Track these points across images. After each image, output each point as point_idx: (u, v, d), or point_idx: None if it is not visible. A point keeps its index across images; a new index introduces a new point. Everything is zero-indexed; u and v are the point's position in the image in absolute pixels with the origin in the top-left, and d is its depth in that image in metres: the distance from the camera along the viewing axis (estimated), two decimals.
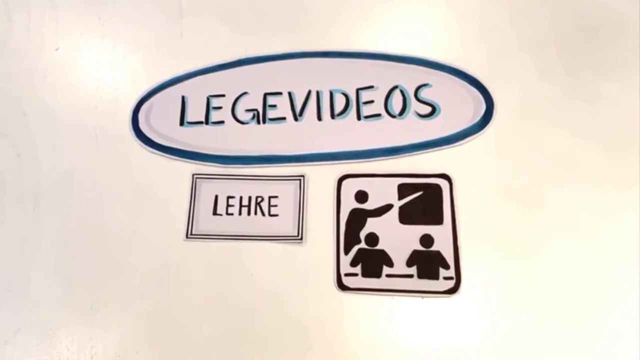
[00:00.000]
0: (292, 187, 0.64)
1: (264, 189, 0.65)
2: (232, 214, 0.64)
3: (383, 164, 0.64)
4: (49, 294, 0.63)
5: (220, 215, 0.64)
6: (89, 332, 0.61)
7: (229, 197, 0.65)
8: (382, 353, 0.57)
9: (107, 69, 0.74)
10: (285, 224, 0.63)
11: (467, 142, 0.64)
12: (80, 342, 0.60)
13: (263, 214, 0.64)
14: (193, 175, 0.66)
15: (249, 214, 0.64)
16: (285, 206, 0.64)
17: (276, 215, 0.63)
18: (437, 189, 0.62)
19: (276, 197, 0.64)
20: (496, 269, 0.59)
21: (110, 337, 0.60)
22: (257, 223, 0.63)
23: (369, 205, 0.63)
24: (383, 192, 0.63)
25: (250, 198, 0.65)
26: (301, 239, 0.62)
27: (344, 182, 0.64)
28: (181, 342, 0.59)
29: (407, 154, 0.65)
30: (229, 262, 0.62)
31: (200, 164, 0.67)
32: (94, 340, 0.60)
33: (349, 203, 0.63)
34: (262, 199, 0.64)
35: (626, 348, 0.55)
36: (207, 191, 0.65)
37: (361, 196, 0.63)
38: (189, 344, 0.59)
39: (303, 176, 0.65)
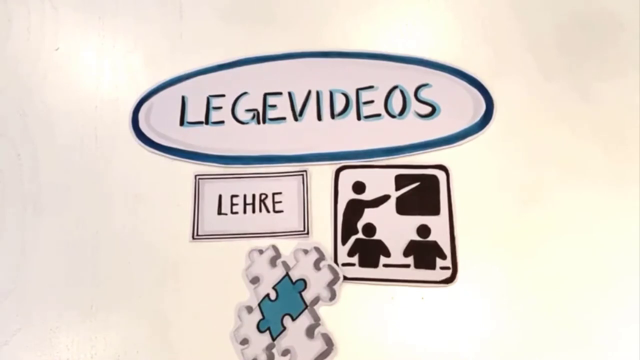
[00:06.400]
0: (295, 182, 0.65)
1: (267, 186, 0.65)
2: (237, 213, 0.64)
3: (382, 163, 0.65)
4: (49, 294, 0.62)
5: (225, 214, 0.64)
6: (89, 332, 0.60)
7: (232, 196, 0.65)
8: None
9: (107, 69, 0.74)
10: (290, 219, 0.63)
11: (467, 142, 0.65)
12: (80, 342, 0.60)
13: (268, 211, 0.64)
14: (196, 176, 0.66)
15: (253, 211, 0.64)
16: (290, 202, 0.64)
17: (281, 211, 0.64)
18: (434, 180, 0.63)
19: (280, 193, 0.65)
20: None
21: (110, 337, 0.60)
22: (262, 220, 0.64)
23: (366, 196, 0.63)
24: (380, 183, 0.64)
25: (254, 196, 0.65)
26: (307, 233, 0.62)
27: (342, 173, 0.65)
28: (181, 343, 0.59)
29: (407, 154, 0.65)
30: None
31: (200, 164, 0.67)
32: (94, 340, 0.60)
33: (347, 194, 0.64)
34: (266, 196, 0.65)
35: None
36: (210, 191, 0.65)
37: (359, 187, 0.64)
38: (189, 345, 0.59)
39: (305, 171, 0.65)
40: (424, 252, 0.60)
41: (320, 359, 0.56)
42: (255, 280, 0.61)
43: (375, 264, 0.60)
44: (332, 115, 0.68)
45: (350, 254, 0.61)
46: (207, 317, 0.60)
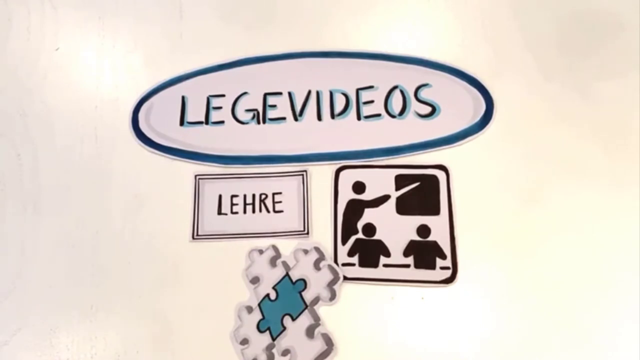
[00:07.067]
0: (295, 182, 0.65)
1: (267, 186, 0.65)
2: (236, 213, 0.64)
3: (382, 163, 0.65)
4: (49, 294, 0.62)
5: (225, 214, 0.64)
6: (89, 332, 0.60)
7: (232, 196, 0.65)
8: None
9: (107, 69, 0.74)
10: (290, 219, 0.63)
11: (467, 142, 0.65)
12: (80, 342, 0.60)
13: (268, 211, 0.64)
14: (196, 176, 0.66)
15: (253, 211, 0.64)
16: (290, 202, 0.64)
17: (281, 211, 0.64)
18: (434, 180, 0.63)
19: (280, 193, 0.65)
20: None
21: (110, 337, 0.60)
22: (262, 220, 0.64)
23: (366, 196, 0.63)
24: (380, 183, 0.64)
25: (254, 196, 0.65)
26: (307, 233, 0.62)
27: (342, 173, 0.65)
28: (181, 342, 0.59)
29: (407, 154, 0.65)
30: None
31: (200, 164, 0.67)
32: (94, 340, 0.60)
33: (347, 194, 0.64)
34: (266, 196, 0.65)
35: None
36: (210, 191, 0.65)
37: (359, 187, 0.64)
38: (189, 345, 0.59)
39: (305, 171, 0.65)
40: (424, 252, 0.60)
41: (320, 359, 0.56)
42: (255, 280, 0.61)
43: (375, 264, 0.60)
44: (332, 115, 0.68)
45: (350, 254, 0.61)
46: (207, 317, 0.60)
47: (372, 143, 0.66)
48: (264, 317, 0.59)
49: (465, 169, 0.63)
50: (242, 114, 0.69)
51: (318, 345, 0.57)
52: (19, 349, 0.61)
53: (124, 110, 0.71)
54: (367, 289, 0.59)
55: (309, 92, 0.69)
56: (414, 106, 0.67)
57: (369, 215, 0.62)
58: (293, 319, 0.58)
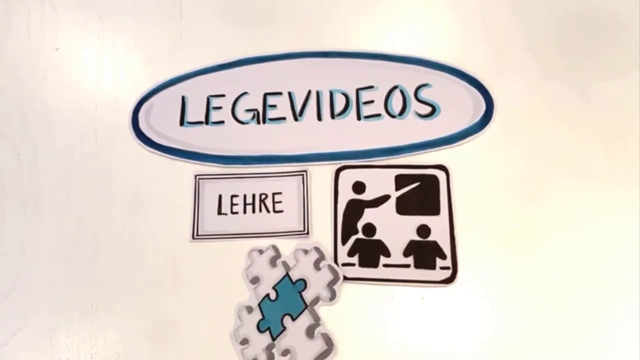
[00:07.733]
0: (295, 182, 0.65)
1: (267, 186, 0.65)
2: (236, 213, 0.64)
3: (382, 163, 0.65)
4: (49, 294, 0.62)
5: (225, 214, 0.64)
6: (89, 332, 0.60)
7: (232, 196, 0.65)
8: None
9: (107, 69, 0.74)
10: (290, 219, 0.63)
11: (467, 142, 0.65)
12: (80, 342, 0.60)
13: (268, 211, 0.64)
14: (196, 176, 0.66)
15: (253, 211, 0.64)
16: (290, 202, 0.64)
17: (281, 211, 0.64)
18: (434, 180, 0.63)
19: (280, 193, 0.65)
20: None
21: (110, 337, 0.60)
22: (262, 220, 0.64)
23: (366, 196, 0.63)
24: (380, 183, 0.64)
25: (254, 196, 0.65)
26: (307, 233, 0.62)
27: (342, 173, 0.65)
28: (181, 343, 0.59)
29: (407, 154, 0.65)
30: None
31: (200, 164, 0.67)
32: (94, 340, 0.60)
33: (347, 194, 0.64)
34: (266, 196, 0.65)
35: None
36: (210, 191, 0.65)
37: (358, 187, 0.64)
38: (189, 345, 0.59)
39: (305, 171, 0.65)
40: (424, 252, 0.60)
41: (320, 359, 0.56)
42: (255, 280, 0.61)
43: (375, 264, 0.60)
44: (332, 115, 0.68)
45: (350, 254, 0.61)
46: (207, 317, 0.60)
47: (372, 143, 0.66)
48: (264, 317, 0.59)
49: (465, 169, 0.63)
50: (242, 114, 0.69)
51: (318, 345, 0.57)
52: (19, 349, 0.61)
53: (124, 110, 0.71)
54: (367, 289, 0.59)
55: (309, 92, 0.69)
56: (414, 106, 0.67)
57: (369, 215, 0.62)
58: (293, 319, 0.58)
